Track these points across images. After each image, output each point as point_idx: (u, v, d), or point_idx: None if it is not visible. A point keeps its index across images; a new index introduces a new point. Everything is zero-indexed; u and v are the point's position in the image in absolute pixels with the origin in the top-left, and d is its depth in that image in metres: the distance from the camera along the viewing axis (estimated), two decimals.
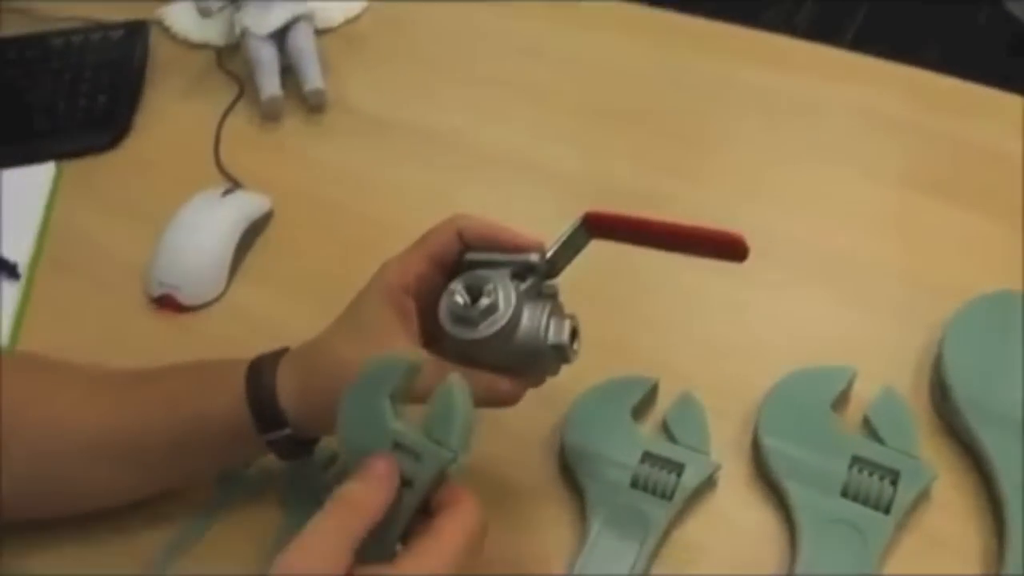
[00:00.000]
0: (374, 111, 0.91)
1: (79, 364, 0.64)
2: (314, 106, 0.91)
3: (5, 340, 0.75)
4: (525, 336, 0.53)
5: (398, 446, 0.47)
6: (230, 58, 0.97)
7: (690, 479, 0.60)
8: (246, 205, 0.80)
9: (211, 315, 0.76)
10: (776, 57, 0.91)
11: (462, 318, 0.52)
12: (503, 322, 0.52)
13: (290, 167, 0.87)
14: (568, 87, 0.91)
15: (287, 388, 0.57)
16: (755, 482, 0.62)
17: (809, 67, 0.90)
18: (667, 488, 0.60)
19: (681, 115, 0.87)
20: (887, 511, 0.58)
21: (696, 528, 0.61)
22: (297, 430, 0.57)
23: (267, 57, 0.90)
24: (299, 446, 0.59)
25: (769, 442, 0.61)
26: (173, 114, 0.94)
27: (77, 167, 0.89)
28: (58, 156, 0.89)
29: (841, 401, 0.64)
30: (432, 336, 0.55)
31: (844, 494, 0.59)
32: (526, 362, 0.54)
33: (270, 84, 0.90)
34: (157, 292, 0.76)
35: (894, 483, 0.59)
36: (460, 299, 0.53)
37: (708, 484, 0.62)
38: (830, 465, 0.60)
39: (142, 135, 0.92)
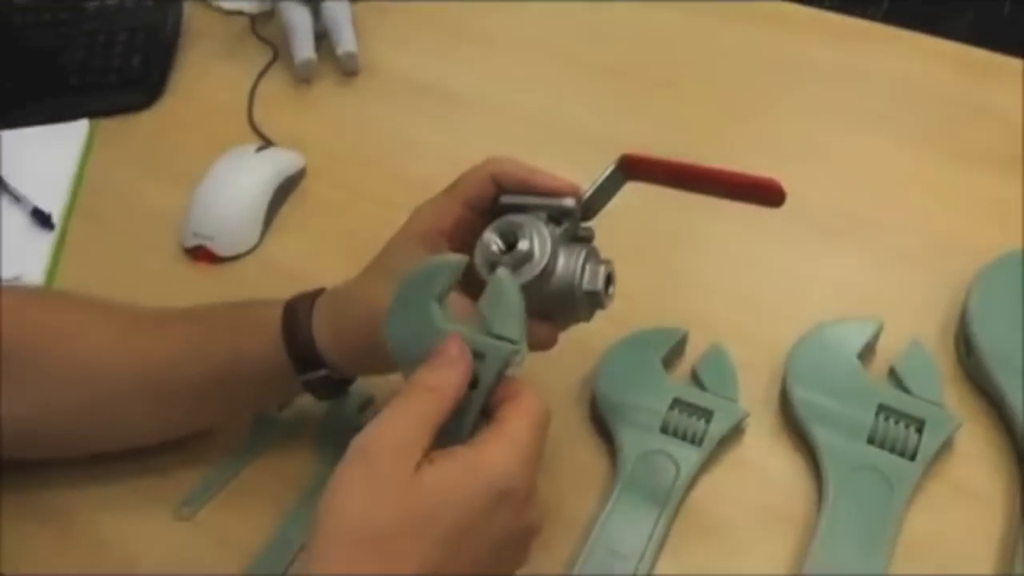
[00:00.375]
0: (405, 75, 0.92)
1: (116, 302, 0.64)
2: (347, 70, 0.92)
3: None
4: (560, 282, 0.53)
5: None
6: (264, 25, 0.99)
7: (719, 425, 0.61)
8: (280, 161, 0.81)
9: (244, 266, 0.77)
10: (808, 26, 0.92)
11: (498, 265, 0.52)
12: (539, 269, 0.51)
13: (322, 128, 0.88)
14: (601, 54, 0.92)
15: (323, 330, 0.57)
16: (783, 431, 0.63)
17: (841, 37, 0.91)
18: (696, 434, 0.61)
19: (713, 81, 0.88)
20: (913, 458, 0.59)
21: (724, 474, 0.62)
22: (334, 370, 0.58)
23: (301, 21, 0.91)
24: (336, 385, 0.60)
25: (797, 391, 0.62)
26: (207, 78, 0.95)
27: (111, 125, 0.91)
28: (91, 114, 0.90)
29: (867, 353, 0.65)
30: (468, 282, 0.55)
31: (871, 441, 0.59)
32: (560, 307, 0.54)
33: (304, 47, 0.91)
34: (191, 243, 0.77)
35: (919, 431, 0.59)
36: (495, 246, 0.52)
37: (736, 432, 0.63)
38: (857, 413, 0.61)
39: (176, 97, 0.93)
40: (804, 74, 0.88)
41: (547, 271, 0.52)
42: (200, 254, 0.77)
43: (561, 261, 0.53)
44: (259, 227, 0.78)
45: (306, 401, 0.61)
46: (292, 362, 0.57)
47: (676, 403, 0.62)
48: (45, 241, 0.80)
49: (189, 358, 0.59)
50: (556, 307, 0.53)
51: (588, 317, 0.55)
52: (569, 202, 0.54)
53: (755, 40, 0.91)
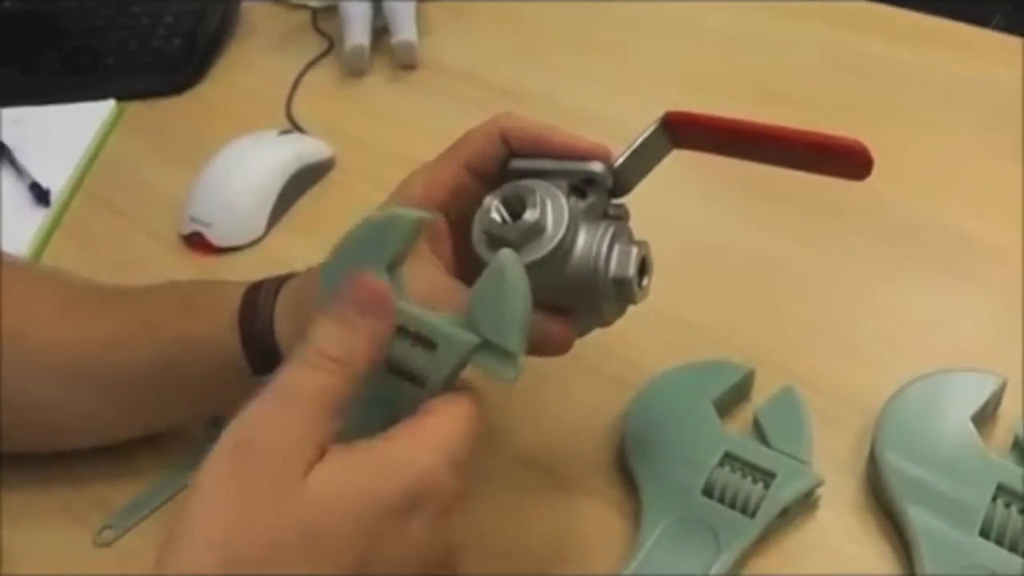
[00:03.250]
0: (468, 73, 0.82)
1: (61, 273, 0.56)
2: (403, 62, 0.82)
3: None
4: (579, 265, 0.41)
5: (402, 330, 0.37)
6: (326, 19, 0.90)
7: (781, 492, 0.47)
8: (302, 147, 0.72)
9: (242, 259, 0.68)
10: (933, 37, 0.79)
11: (499, 240, 0.41)
12: (551, 246, 0.41)
13: (364, 120, 0.79)
14: (697, 61, 0.81)
15: (285, 319, 0.47)
16: (867, 508, 0.49)
17: (967, 47, 0.77)
18: (749, 501, 0.47)
19: (826, 93, 0.75)
20: None
21: (784, 557, 0.47)
22: None
23: (357, 8, 0.83)
24: None
25: (889, 457, 0.47)
26: (252, 67, 0.88)
27: (142, 108, 0.84)
28: (120, 95, 0.84)
29: (985, 416, 0.50)
30: (468, 264, 0.44)
31: (984, 533, 0.45)
32: (579, 299, 0.42)
33: (356, 34, 0.82)
34: (188, 229, 0.68)
35: None
36: (497, 216, 0.42)
37: (806, 503, 0.48)
38: (967, 495, 0.46)
39: (216, 83, 0.86)
40: (933, 89, 0.74)
41: (562, 250, 0.41)
42: (196, 242, 0.68)
43: (582, 239, 0.42)
44: (265, 217, 0.68)
45: None
46: (246, 356, 0.48)
47: (727, 458, 0.48)
48: (39, 218, 0.72)
49: (131, 340, 0.51)
50: (573, 298, 0.42)
51: (615, 316, 0.44)
52: (597, 167, 0.43)
53: (878, 52, 0.78)
